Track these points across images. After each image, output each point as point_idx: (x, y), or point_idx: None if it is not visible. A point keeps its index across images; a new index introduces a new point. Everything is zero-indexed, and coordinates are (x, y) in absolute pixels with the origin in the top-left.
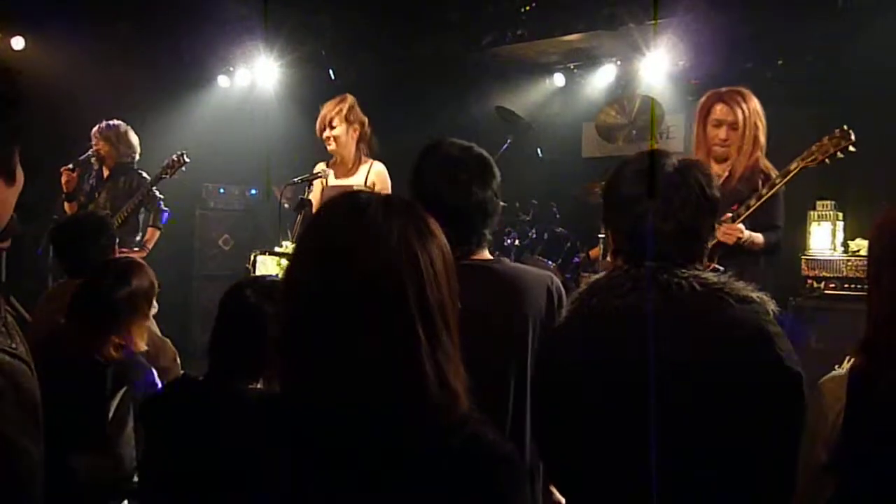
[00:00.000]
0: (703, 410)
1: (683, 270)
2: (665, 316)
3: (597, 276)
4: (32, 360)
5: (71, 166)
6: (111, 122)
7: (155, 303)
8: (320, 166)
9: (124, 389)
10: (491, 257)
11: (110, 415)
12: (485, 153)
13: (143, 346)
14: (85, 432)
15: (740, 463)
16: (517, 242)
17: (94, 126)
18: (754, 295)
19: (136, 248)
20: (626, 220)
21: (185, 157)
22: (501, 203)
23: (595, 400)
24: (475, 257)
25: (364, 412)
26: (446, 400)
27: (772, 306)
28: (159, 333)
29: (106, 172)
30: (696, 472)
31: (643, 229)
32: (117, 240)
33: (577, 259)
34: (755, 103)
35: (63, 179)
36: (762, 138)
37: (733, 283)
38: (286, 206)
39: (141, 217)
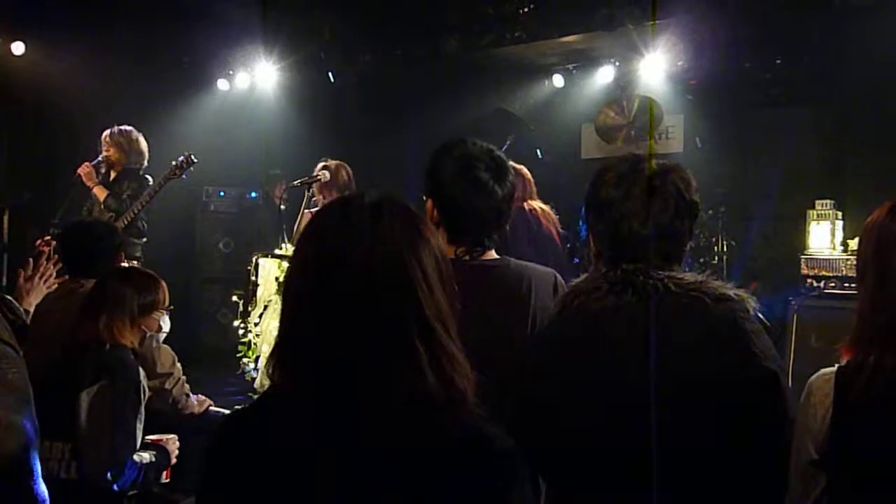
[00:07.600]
0: (682, 409)
1: (660, 272)
2: (642, 317)
3: (578, 280)
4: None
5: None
6: (123, 128)
7: (165, 319)
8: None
9: (103, 382)
10: (498, 257)
11: (83, 406)
12: (500, 152)
13: (127, 343)
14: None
15: (725, 461)
16: None
17: (102, 130)
18: (731, 293)
19: (137, 255)
20: (605, 223)
21: (192, 157)
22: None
23: (576, 401)
24: (484, 258)
25: (363, 413)
26: (451, 398)
27: (751, 304)
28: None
29: (113, 175)
30: (683, 470)
31: (621, 232)
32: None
33: (577, 260)
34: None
35: (84, 171)
36: None
37: (710, 282)
38: (283, 207)
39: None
